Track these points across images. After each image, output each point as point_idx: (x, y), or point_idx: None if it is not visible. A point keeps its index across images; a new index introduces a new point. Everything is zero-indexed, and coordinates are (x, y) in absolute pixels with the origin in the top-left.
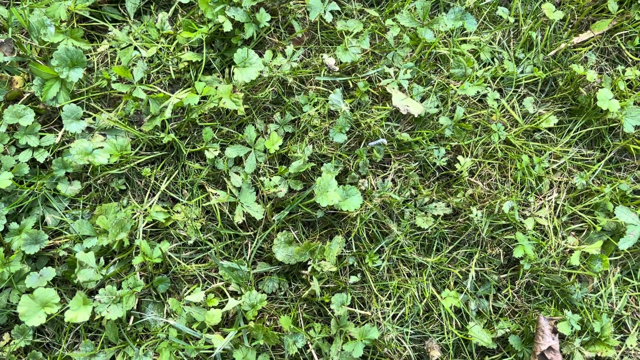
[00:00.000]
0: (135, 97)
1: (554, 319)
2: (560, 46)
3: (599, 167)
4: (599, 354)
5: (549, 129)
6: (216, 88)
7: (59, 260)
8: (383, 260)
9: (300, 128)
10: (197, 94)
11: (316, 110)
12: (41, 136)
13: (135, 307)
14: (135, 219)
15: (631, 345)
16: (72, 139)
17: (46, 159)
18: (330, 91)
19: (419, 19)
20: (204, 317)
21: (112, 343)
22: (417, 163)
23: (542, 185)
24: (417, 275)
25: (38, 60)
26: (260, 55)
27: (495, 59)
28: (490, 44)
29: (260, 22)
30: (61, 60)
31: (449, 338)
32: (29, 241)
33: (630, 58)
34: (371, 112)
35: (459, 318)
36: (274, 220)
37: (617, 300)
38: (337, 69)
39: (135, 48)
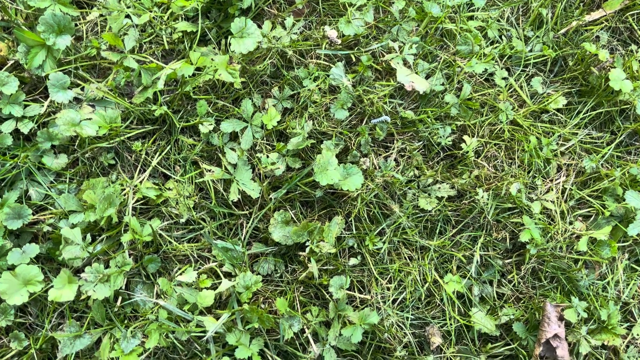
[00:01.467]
0: (126, 66)
1: (560, 306)
2: (571, 24)
3: (608, 150)
4: (605, 342)
5: (558, 110)
6: (212, 60)
7: (43, 237)
8: (384, 242)
9: (300, 103)
10: (192, 64)
11: (317, 85)
12: (25, 106)
13: (123, 287)
14: (124, 195)
15: (637, 334)
16: (58, 110)
17: (31, 129)
18: (331, 65)
19: None
20: (195, 298)
21: (99, 324)
22: (421, 142)
23: (550, 168)
24: (419, 259)
25: (23, 26)
26: (259, 27)
27: (503, 37)
28: (499, 21)
29: None
30: (48, 26)
31: (450, 324)
32: (11, 215)
33: None
34: (374, 88)
35: (461, 304)
36: (270, 199)
37: (624, 288)
38: (339, 42)
39: (127, 16)
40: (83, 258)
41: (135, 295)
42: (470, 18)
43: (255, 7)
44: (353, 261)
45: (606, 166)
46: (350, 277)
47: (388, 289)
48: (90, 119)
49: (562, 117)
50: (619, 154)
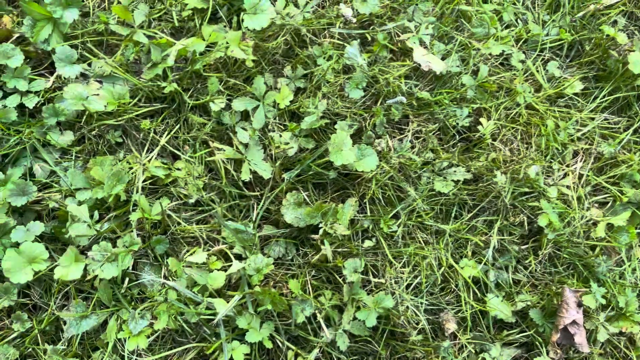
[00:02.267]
0: (135, 41)
1: (579, 291)
2: (589, 7)
3: (626, 135)
4: (622, 330)
5: (575, 94)
6: (224, 36)
7: (48, 216)
8: (399, 225)
9: (313, 83)
10: (204, 40)
11: (330, 65)
12: (31, 80)
13: (130, 268)
14: (133, 173)
15: None
16: (64, 85)
17: (36, 104)
18: (346, 44)
19: None
20: (206, 279)
21: (105, 305)
22: (436, 125)
23: (566, 153)
24: (434, 243)
25: None
26: (272, 4)
27: (519, 20)
28: (514, 4)
29: None
30: None
31: (466, 310)
32: (15, 192)
33: None
34: (390, 68)
35: (477, 289)
36: (283, 180)
37: None
38: (354, 20)
39: None
40: (90, 236)
41: (143, 275)
42: (485, 1)
43: None
44: (367, 244)
45: (623, 152)
46: (364, 261)
47: (402, 273)
48: (97, 94)
49: (578, 102)
50: (637, 140)
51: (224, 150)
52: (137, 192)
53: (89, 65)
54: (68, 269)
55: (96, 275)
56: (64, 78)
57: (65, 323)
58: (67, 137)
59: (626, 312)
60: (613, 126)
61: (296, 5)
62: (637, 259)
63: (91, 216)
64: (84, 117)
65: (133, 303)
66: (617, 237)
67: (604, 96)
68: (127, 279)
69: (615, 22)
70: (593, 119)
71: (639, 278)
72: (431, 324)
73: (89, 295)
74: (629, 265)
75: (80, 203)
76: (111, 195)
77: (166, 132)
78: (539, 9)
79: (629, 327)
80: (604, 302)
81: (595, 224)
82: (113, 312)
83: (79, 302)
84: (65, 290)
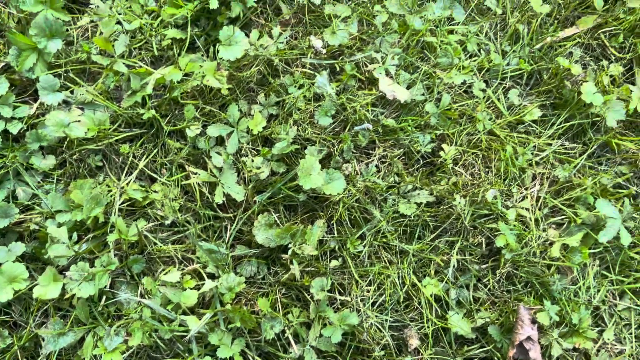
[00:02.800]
0: (116, 70)
1: (533, 309)
2: (546, 40)
3: (581, 160)
4: (576, 345)
5: (533, 121)
6: (200, 66)
7: (29, 237)
8: (364, 245)
9: (285, 110)
10: (181, 70)
11: (302, 93)
12: (15, 107)
13: (108, 287)
14: (111, 195)
15: (608, 339)
16: (47, 112)
17: (20, 130)
18: (316, 74)
19: (408, 6)
20: (179, 298)
21: (83, 323)
22: (401, 150)
23: (525, 177)
24: (398, 263)
25: (15, 30)
26: (247, 35)
27: (482, 51)
28: (478, 35)
29: (247, 2)
30: (39, 30)
31: (428, 327)
32: None
33: (614, 55)
34: (357, 97)
35: (438, 307)
36: (255, 202)
37: (595, 294)
38: (324, 51)
39: (118, 22)
40: (68, 257)
41: (120, 294)
42: (451, 32)
43: (244, 16)
44: (334, 263)
45: (578, 176)
46: (331, 279)
47: (368, 291)
48: (79, 121)
49: (537, 128)
50: (591, 164)
51: (199, 174)
52: (115, 213)
53: (72, 92)
54: (46, 288)
55: (74, 294)
56: (47, 105)
57: (43, 340)
58: (49, 162)
59: (579, 328)
60: (569, 151)
61: (270, 36)
62: (590, 277)
63: (70, 237)
64: (66, 142)
65: (110, 320)
66: (571, 257)
67: (560, 123)
68: (104, 297)
69: (571, 53)
70: (550, 144)
71: (592, 296)
72: (395, 340)
73: (67, 313)
74: (583, 284)
75: (60, 225)
76: (90, 218)
77: (144, 156)
78: (501, 39)
79: (582, 343)
80: (558, 319)
81: (551, 244)
82: (90, 330)
83: (56, 319)
84: (45, 308)
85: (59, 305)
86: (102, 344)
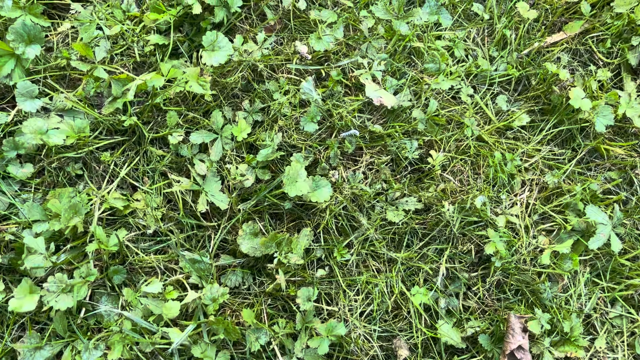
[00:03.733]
0: (96, 76)
1: (524, 317)
2: (533, 45)
3: (570, 166)
4: (568, 354)
5: (521, 127)
6: (183, 72)
7: (5, 248)
8: (352, 254)
9: (270, 116)
10: (163, 75)
11: (287, 99)
12: None
13: (87, 299)
14: (91, 205)
15: (600, 347)
16: (25, 119)
17: None
18: (302, 80)
19: (394, 11)
20: (161, 309)
21: (60, 336)
22: (388, 156)
23: (514, 184)
24: (386, 271)
25: None
26: (231, 41)
27: (469, 56)
28: (465, 41)
29: (231, 7)
30: (17, 35)
31: (417, 337)
32: None
33: (601, 60)
34: (344, 103)
35: (428, 316)
36: (239, 210)
37: (586, 301)
38: (309, 57)
39: (99, 27)
40: (46, 268)
41: (100, 306)
42: (438, 37)
43: (228, 22)
44: (321, 272)
45: (568, 182)
46: (318, 289)
47: (356, 300)
48: (57, 128)
49: (525, 134)
50: (580, 170)
51: (182, 182)
52: (94, 223)
53: (51, 99)
54: (22, 301)
55: (52, 307)
56: (25, 112)
57: (19, 354)
58: (27, 170)
59: (571, 337)
60: (558, 157)
61: (255, 42)
62: (581, 284)
63: (47, 248)
64: (44, 150)
65: (89, 334)
66: (561, 264)
67: (549, 129)
68: (83, 310)
69: (559, 58)
70: (539, 150)
71: (583, 304)
72: (384, 350)
73: (45, 326)
74: (574, 291)
75: (37, 235)
76: (68, 227)
77: (126, 164)
78: (488, 45)
79: (574, 352)
80: (549, 327)
81: (542, 251)
82: (68, 343)
83: (33, 333)
84: (21, 321)
85: (36, 318)
86: (81, 358)
